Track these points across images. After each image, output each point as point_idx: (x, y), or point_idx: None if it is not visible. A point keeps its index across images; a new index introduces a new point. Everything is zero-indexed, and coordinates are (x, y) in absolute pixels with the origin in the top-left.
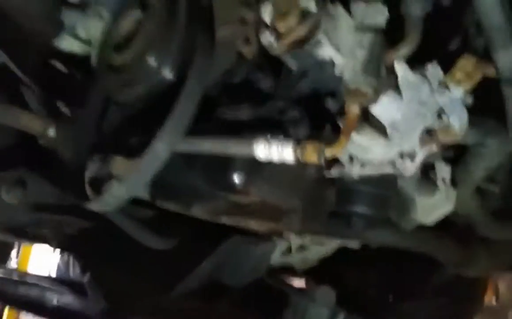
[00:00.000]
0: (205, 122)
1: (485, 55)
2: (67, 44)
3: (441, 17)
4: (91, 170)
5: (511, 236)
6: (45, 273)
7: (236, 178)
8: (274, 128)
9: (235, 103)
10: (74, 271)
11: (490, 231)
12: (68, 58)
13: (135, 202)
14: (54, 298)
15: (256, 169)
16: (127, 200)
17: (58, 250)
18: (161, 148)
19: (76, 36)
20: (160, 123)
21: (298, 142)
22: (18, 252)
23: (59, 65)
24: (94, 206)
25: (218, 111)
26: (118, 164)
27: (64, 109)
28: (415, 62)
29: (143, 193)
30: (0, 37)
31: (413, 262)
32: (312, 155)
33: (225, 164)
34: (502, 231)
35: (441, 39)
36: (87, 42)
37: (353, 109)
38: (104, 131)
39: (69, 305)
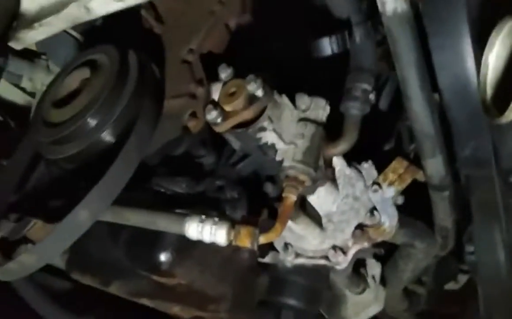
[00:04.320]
0: (138, 192)
1: (416, 160)
2: (9, 92)
3: (378, 120)
4: (4, 229)
5: None
6: None
7: (163, 258)
8: (210, 206)
9: (173, 175)
10: None
11: None
12: (7, 106)
13: (48, 269)
14: None
15: (186, 249)
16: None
17: None
18: (83, 216)
19: (19, 86)
20: (87, 189)
21: (233, 225)
22: None
23: None
24: None
25: (153, 182)
26: (35, 227)
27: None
28: (352, 158)
29: (58, 261)
30: None
31: None
32: (245, 240)
33: (152, 240)
34: None
35: (377, 140)
36: (31, 94)
37: (291, 197)
38: (27, 189)
39: None
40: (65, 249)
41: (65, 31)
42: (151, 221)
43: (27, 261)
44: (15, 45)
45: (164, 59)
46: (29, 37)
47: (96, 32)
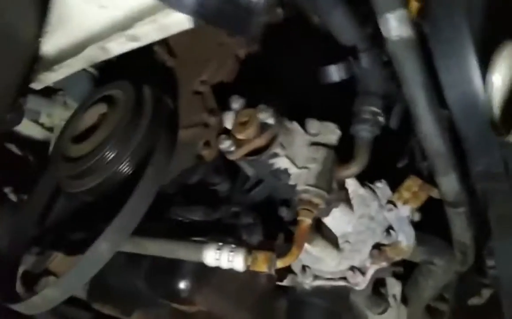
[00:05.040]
0: (155, 221)
1: (430, 177)
2: (28, 128)
3: (389, 139)
4: (26, 263)
5: None
6: None
7: (182, 285)
8: (227, 232)
9: (189, 203)
10: None
11: None
12: (26, 141)
13: (70, 300)
14: None
15: (204, 276)
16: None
17: None
18: (104, 248)
19: (38, 122)
20: (106, 220)
21: (250, 251)
22: None
23: (13, 148)
24: (23, 308)
25: (171, 211)
26: (57, 260)
27: (11, 195)
28: (365, 178)
29: (80, 292)
30: None
31: None
32: (263, 265)
33: (171, 268)
34: None
35: (390, 159)
36: (49, 129)
37: (306, 220)
38: (48, 222)
39: None
40: (87, 281)
41: None
42: (169, 249)
43: (50, 294)
44: (35, 85)
45: (176, 91)
46: (49, 78)
47: (110, 67)
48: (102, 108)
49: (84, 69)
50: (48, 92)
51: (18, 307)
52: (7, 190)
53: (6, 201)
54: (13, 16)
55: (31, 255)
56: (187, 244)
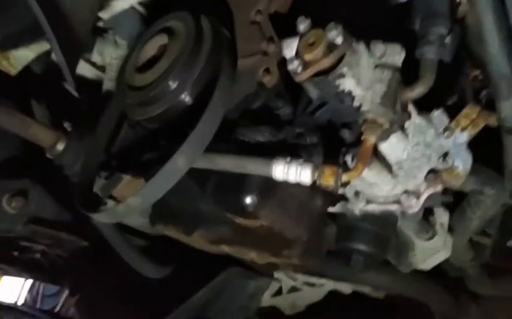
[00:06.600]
0: (223, 142)
1: (488, 106)
2: (81, 68)
3: (447, 68)
4: (97, 186)
5: (499, 292)
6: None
7: (249, 200)
8: (290, 152)
9: (254, 126)
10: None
11: (480, 286)
12: (78, 80)
13: (126, 229)
14: None
15: (269, 192)
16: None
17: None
18: (181, 162)
19: (90, 61)
20: (172, 144)
21: (316, 166)
22: None
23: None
24: (105, 216)
25: (237, 132)
26: (120, 186)
27: (69, 128)
28: (422, 107)
29: (141, 219)
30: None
31: (400, 312)
32: (329, 179)
33: (237, 185)
34: (491, 287)
35: (447, 87)
36: (101, 68)
37: (370, 138)
38: (113, 149)
39: None
40: (165, 192)
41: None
42: (240, 164)
43: (133, 202)
44: (104, 14)
45: (232, 22)
46: (119, 5)
47: (158, 5)
48: (162, 39)
49: (132, 7)
50: (98, 31)
51: (100, 216)
52: (66, 125)
53: (71, 131)
54: None
55: (101, 179)
56: (256, 159)
